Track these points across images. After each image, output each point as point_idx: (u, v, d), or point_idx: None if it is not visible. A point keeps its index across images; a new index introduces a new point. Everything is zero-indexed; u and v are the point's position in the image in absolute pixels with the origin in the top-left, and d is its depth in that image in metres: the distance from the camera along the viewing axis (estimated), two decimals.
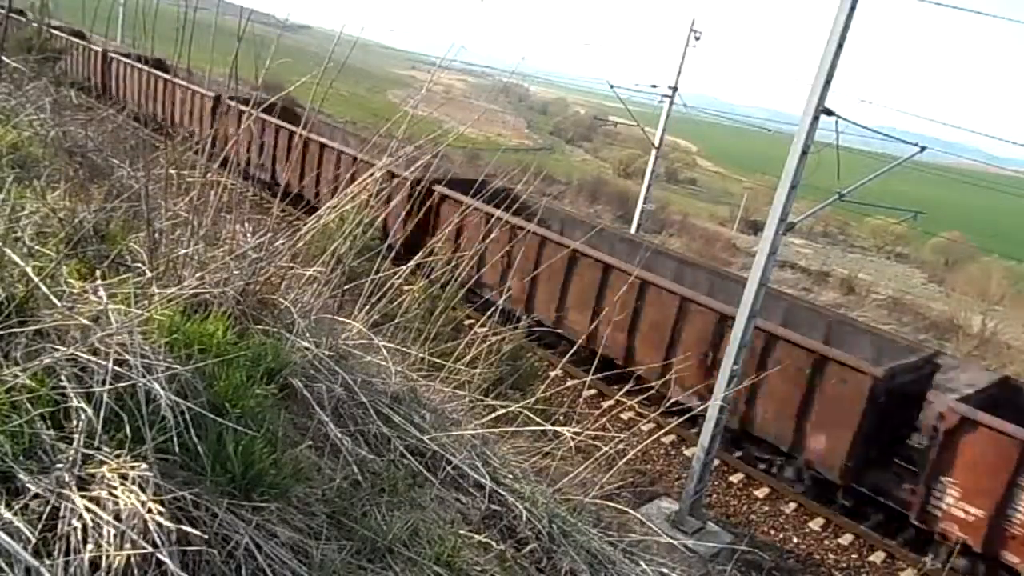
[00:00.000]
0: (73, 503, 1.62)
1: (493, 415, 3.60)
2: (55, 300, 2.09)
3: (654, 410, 10.94)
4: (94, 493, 1.65)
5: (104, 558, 1.55)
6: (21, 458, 1.67)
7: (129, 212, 3.18)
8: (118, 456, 1.75)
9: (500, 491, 2.87)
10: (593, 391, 11.57)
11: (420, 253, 4.44)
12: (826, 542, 10.27)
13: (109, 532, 1.59)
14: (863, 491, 10.47)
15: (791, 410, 10.37)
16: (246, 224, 3.15)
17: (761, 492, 11.06)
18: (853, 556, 10.07)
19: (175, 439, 1.86)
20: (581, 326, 12.17)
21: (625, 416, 11.04)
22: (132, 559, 1.56)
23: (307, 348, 2.75)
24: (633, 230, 21.71)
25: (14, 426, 1.69)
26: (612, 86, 21.95)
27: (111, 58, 23.73)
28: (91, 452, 1.75)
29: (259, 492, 1.97)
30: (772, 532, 10.39)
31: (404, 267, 4.12)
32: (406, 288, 4.11)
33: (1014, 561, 8.77)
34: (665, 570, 3.12)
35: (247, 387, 2.22)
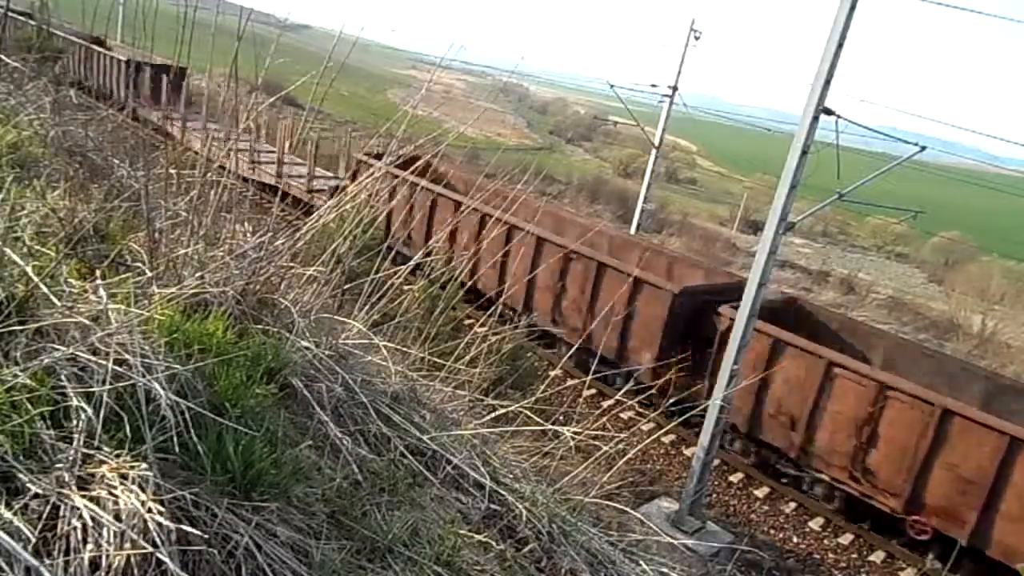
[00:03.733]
0: (73, 503, 1.62)
1: (493, 415, 3.60)
2: (55, 300, 2.08)
3: (654, 410, 10.94)
4: (94, 493, 1.65)
5: (104, 558, 1.55)
6: (21, 458, 1.67)
7: (129, 212, 3.18)
8: (118, 456, 1.75)
9: (500, 491, 2.87)
10: (593, 391, 11.56)
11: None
12: (826, 542, 10.27)
13: (109, 532, 1.59)
14: None
15: None
16: (246, 224, 3.15)
17: (761, 492, 11.06)
18: (853, 556, 10.07)
19: (175, 439, 1.86)
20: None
21: (625, 416, 11.03)
22: (132, 559, 1.56)
23: (307, 348, 2.74)
24: (633, 230, 21.70)
25: (14, 426, 1.69)
26: (612, 86, 21.95)
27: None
28: (91, 452, 1.74)
29: (259, 492, 1.97)
30: (772, 532, 10.39)
31: (404, 267, 4.12)
32: (406, 288, 4.11)
33: None
34: (665, 570, 3.12)
35: (247, 387, 2.21)
